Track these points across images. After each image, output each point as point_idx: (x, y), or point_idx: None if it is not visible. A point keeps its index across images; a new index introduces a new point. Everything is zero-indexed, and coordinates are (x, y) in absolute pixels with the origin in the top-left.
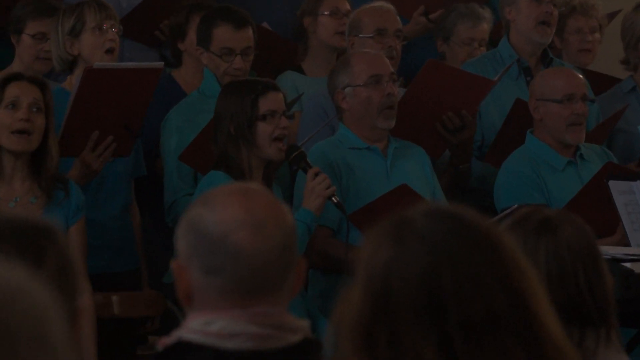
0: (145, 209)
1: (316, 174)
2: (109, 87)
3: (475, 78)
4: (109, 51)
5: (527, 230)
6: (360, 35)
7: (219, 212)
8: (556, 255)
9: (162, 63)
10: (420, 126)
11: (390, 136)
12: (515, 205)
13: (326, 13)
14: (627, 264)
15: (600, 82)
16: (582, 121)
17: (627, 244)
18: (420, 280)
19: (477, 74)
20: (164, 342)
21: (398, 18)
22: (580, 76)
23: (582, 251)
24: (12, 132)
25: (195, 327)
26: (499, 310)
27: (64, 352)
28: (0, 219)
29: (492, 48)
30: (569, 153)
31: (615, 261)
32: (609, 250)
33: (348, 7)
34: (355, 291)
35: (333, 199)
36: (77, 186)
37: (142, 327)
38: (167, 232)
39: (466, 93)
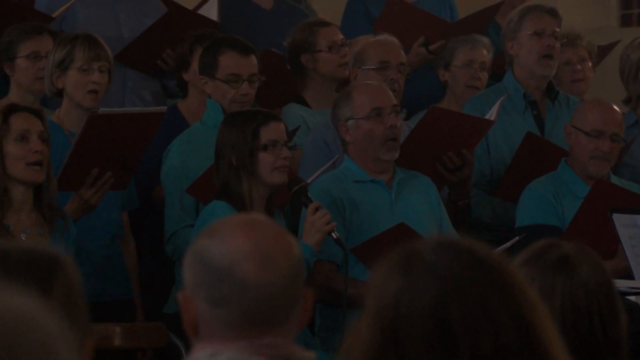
0: (143, 238)
1: (317, 209)
2: (111, 129)
3: (475, 119)
4: (93, 92)
5: (544, 267)
6: (364, 67)
7: (226, 244)
8: (572, 295)
9: (165, 108)
10: (420, 166)
11: (396, 167)
12: (517, 238)
13: (325, 50)
14: (632, 297)
15: None
16: (607, 158)
17: (627, 267)
18: (429, 311)
19: (477, 115)
20: None
21: (402, 52)
22: (618, 112)
23: (599, 292)
24: (27, 164)
25: (202, 358)
26: (509, 343)
27: None
28: (9, 248)
29: (495, 82)
30: None
31: (620, 294)
32: None
33: (341, 35)
34: (365, 322)
35: (333, 234)
36: (69, 217)
37: (134, 358)
38: (166, 262)
39: (466, 134)
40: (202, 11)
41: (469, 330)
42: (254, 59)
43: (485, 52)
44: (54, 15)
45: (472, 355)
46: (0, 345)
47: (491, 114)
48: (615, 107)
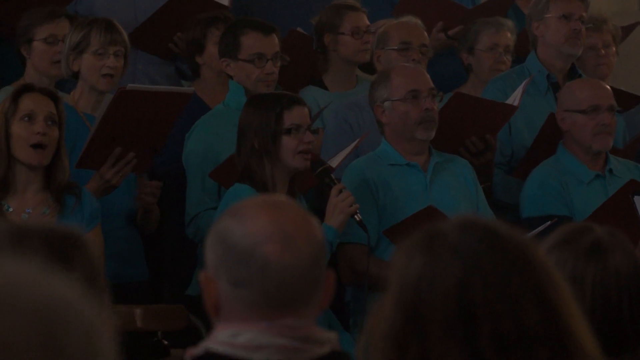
0: (166, 221)
1: (340, 191)
2: (138, 107)
3: (499, 105)
4: (108, 75)
5: (576, 252)
6: (386, 47)
7: (248, 225)
8: (603, 283)
9: (193, 89)
10: (443, 150)
11: (432, 150)
12: (548, 222)
13: (347, 33)
14: None
15: (623, 99)
16: (609, 131)
17: None
18: (451, 292)
19: (499, 96)
20: (191, 352)
21: (425, 34)
22: (607, 87)
23: (630, 280)
24: (30, 145)
25: (223, 338)
26: (532, 324)
27: None
28: (28, 228)
29: (517, 63)
30: (598, 166)
31: None
32: None
33: (367, 22)
34: (387, 302)
35: (356, 216)
36: (90, 193)
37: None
38: (189, 244)
39: (490, 119)
40: None
41: (491, 312)
42: (275, 38)
43: (509, 35)
44: None
45: (494, 337)
46: (42, 332)
47: (514, 99)
48: (601, 82)
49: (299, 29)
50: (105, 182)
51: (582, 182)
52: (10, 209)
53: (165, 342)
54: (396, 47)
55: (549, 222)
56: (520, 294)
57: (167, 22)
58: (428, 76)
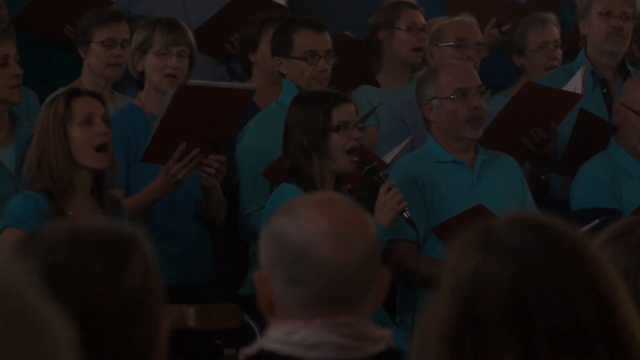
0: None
1: (389, 189)
2: (200, 103)
3: (565, 93)
4: (170, 76)
5: (630, 245)
6: (440, 44)
7: (303, 223)
8: None
9: (255, 85)
10: (507, 140)
11: (479, 147)
12: (597, 220)
13: (403, 28)
14: None
15: None
16: None
17: None
18: (505, 288)
19: (559, 88)
20: (245, 352)
21: (479, 32)
22: None
23: None
24: (94, 148)
25: (278, 337)
26: (586, 320)
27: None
28: (84, 226)
29: (568, 60)
30: None
31: None
32: None
33: (424, 21)
34: (441, 299)
35: (404, 214)
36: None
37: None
38: (242, 244)
39: (555, 108)
40: None
41: (546, 309)
42: (327, 36)
43: (555, 29)
44: None
45: (549, 333)
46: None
47: (576, 87)
48: None
49: (347, 33)
50: (171, 177)
51: (632, 177)
52: (70, 212)
53: (219, 342)
54: (452, 43)
55: (597, 221)
56: (574, 289)
57: (225, 24)
58: (476, 74)
